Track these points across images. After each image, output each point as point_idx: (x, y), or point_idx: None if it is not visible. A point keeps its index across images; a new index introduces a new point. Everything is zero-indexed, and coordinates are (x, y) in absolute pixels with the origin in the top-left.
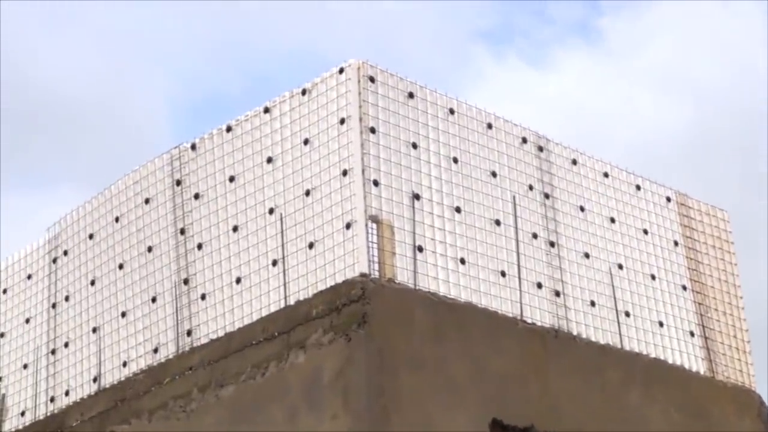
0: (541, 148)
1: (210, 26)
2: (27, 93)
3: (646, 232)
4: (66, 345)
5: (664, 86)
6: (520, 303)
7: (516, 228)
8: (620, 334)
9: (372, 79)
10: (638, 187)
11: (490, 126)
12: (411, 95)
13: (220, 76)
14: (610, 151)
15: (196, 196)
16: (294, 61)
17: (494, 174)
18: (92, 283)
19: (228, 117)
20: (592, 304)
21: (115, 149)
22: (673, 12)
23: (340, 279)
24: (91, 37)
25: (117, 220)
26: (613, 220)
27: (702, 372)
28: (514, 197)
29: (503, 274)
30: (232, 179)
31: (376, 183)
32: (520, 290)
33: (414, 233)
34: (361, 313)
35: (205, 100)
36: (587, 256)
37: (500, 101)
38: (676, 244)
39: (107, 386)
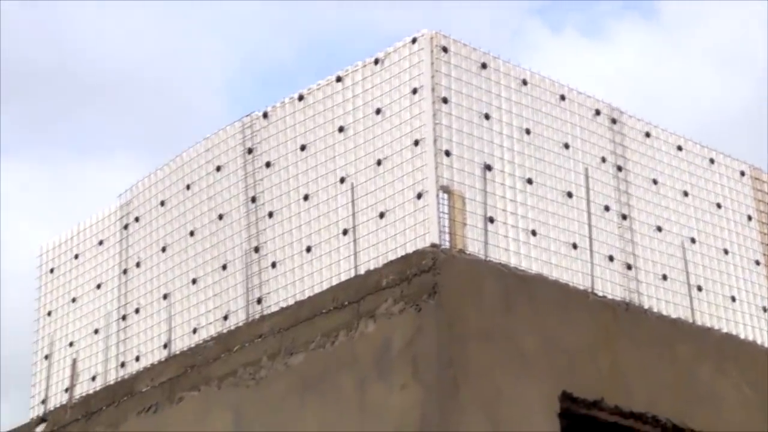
0: (614, 121)
1: None
2: (86, 63)
3: (719, 206)
4: (137, 311)
5: (723, 62)
6: (591, 275)
7: (588, 200)
8: (692, 309)
9: (445, 50)
10: (712, 161)
11: (563, 97)
12: (484, 66)
13: (276, 47)
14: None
15: (268, 165)
16: (348, 32)
17: (567, 146)
18: (163, 249)
19: (284, 87)
20: (664, 277)
21: (170, 119)
22: None
23: (410, 249)
24: (148, 7)
25: (188, 187)
26: (686, 194)
27: None
28: (586, 169)
29: (575, 246)
30: (303, 148)
31: (447, 153)
32: (592, 263)
33: (485, 204)
34: (431, 283)
35: (260, 70)
36: (659, 229)
37: (556, 75)
38: (749, 218)
39: (177, 352)
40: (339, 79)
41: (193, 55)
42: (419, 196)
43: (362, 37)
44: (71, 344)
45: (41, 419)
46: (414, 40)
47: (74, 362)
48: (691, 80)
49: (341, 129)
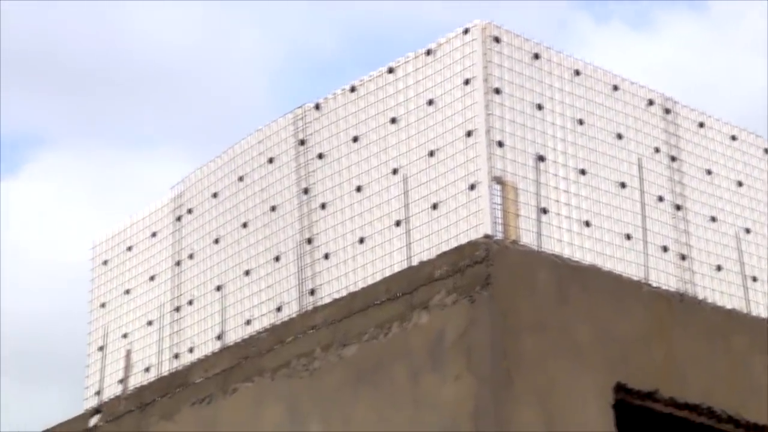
0: (667, 111)
1: None
2: (133, 57)
3: None
4: (190, 302)
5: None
6: (645, 266)
7: (641, 191)
8: (746, 299)
9: (497, 40)
10: (766, 151)
11: (616, 88)
12: (536, 56)
13: (320, 38)
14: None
15: (320, 156)
16: (392, 24)
17: (620, 136)
18: (216, 241)
19: (328, 79)
20: (718, 268)
21: (215, 112)
22: None
23: (463, 240)
24: (194, 0)
25: (241, 179)
26: (740, 184)
27: None
28: (639, 159)
29: (628, 237)
30: (355, 139)
31: (500, 144)
32: (646, 253)
33: (538, 195)
34: (484, 274)
35: (305, 62)
36: (714, 219)
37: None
38: None
39: (230, 344)
40: (391, 71)
41: (238, 48)
42: (472, 187)
43: (406, 28)
44: (125, 336)
45: (95, 410)
46: (466, 31)
47: (128, 354)
48: (739, 72)
49: (393, 120)
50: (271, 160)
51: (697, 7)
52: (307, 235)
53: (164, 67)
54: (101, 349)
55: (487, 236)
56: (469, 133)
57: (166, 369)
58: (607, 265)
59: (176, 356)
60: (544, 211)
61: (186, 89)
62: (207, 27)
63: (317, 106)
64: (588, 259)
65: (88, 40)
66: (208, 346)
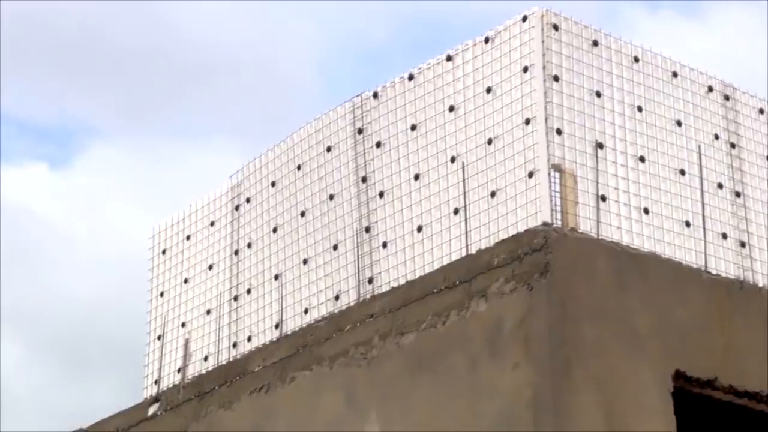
0: (727, 97)
1: None
2: (182, 47)
3: None
4: (248, 291)
5: None
6: (705, 254)
7: (701, 178)
8: None
9: (556, 27)
10: None
11: (675, 74)
12: (595, 43)
13: (371, 26)
14: None
15: (378, 145)
16: (443, 11)
17: (679, 123)
18: (274, 230)
19: (380, 67)
20: None
21: (266, 102)
22: None
23: (521, 228)
24: None
25: (299, 168)
26: None
27: None
28: (699, 146)
29: (687, 224)
30: (413, 128)
31: (559, 132)
32: (705, 241)
33: (597, 182)
34: (543, 262)
35: (356, 50)
36: None
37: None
38: None
39: (289, 333)
40: (449, 58)
41: (288, 37)
42: (530, 174)
43: (457, 13)
44: (183, 325)
45: (154, 399)
46: (524, 18)
47: (186, 342)
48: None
49: (451, 108)
50: (329, 149)
51: None
52: (365, 224)
53: (215, 59)
54: (160, 338)
55: (545, 224)
56: (527, 121)
57: (224, 358)
58: (666, 252)
59: (234, 345)
60: (603, 198)
61: (237, 80)
62: (256, 17)
63: (375, 95)
64: (647, 246)
65: (140, 32)
66: (266, 335)
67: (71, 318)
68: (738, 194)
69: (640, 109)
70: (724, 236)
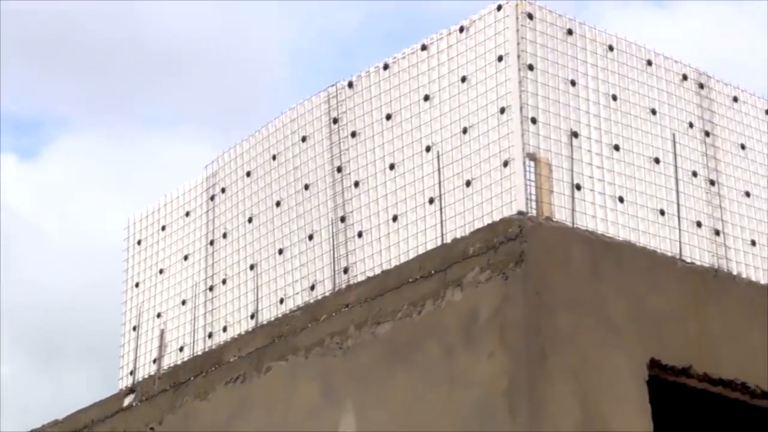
0: (701, 85)
1: None
2: (152, 37)
3: None
4: (224, 282)
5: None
6: (679, 242)
7: (675, 166)
8: None
9: (530, 16)
10: None
11: (649, 63)
12: (570, 32)
13: (339, 16)
14: None
15: (353, 134)
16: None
17: (654, 111)
18: (249, 220)
19: (348, 57)
20: (753, 243)
21: (236, 91)
22: None
23: (497, 217)
24: None
25: (274, 158)
26: None
27: None
28: (673, 135)
29: (662, 212)
30: (389, 117)
31: (534, 120)
32: (680, 229)
33: (572, 171)
34: (518, 251)
35: (324, 40)
36: (748, 194)
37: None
38: None
39: (264, 323)
40: (424, 48)
41: (257, 27)
42: (505, 163)
43: (431, 5)
44: (159, 315)
45: (130, 390)
46: (499, 8)
47: (162, 333)
48: (758, 47)
49: (427, 98)
50: (304, 139)
51: None
52: (340, 214)
53: (184, 48)
54: (135, 328)
55: (520, 213)
56: (502, 110)
57: (200, 348)
58: (641, 240)
59: (210, 335)
60: (578, 187)
61: (206, 70)
62: (226, 6)
63: (350, 85)
64: (622, 235)
65: (108, 22)
66: (241, 325)
67: (44, 310)
68: (712, 182)
69: (614, 97)
70: (699, 224)
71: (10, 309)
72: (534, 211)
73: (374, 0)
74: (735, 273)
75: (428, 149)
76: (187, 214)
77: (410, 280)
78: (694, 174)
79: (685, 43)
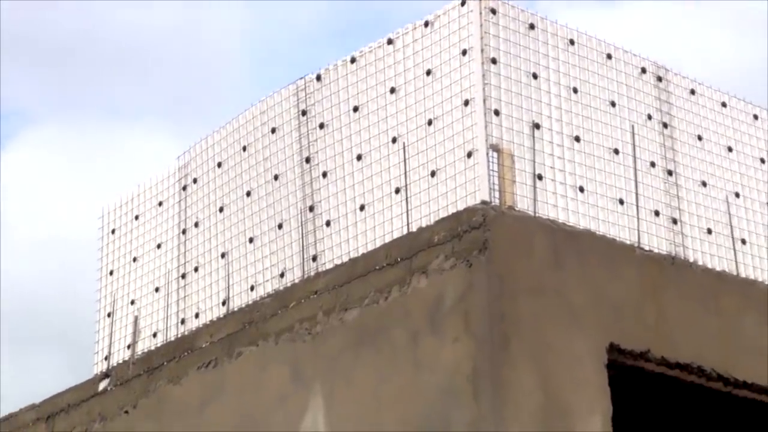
0: (660, 78)
1: None
2: (112, 35)
3: (763, 161)
4: (196, 269)
5: (737, 24)
6: (638, 230)
7: (634, 157)
8: (736, 262)
9: (493, 11)
10: (756, 117)
11: (609, 56)
12: (532, 26)
13: (295, 14)
14: None
15: (321, 126)
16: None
17: (613, 104)
18: (221, 210)
19: (305, 54)
20: (709, 231)
21: (194, 84)
22: None
23: (461, 206)
24: None
25: (244, 149)
26: (730, 149)
27: None
28: (632, 127)
29: (621, 202)
30: (356, 109)
31: (497, 113)
32: (638, 218)
33: (534, 162)
34: (481, 239)
35: (280, 37)
36: (704, 184)
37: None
38: None
39: (235, 309)
40: (390, 42)
41: (215, 20)
42: (469, 154)
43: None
44: (133, 302)
45: (105, 374)
46: (463, 3)
47: (136, 320)
48: (702, 43)
49: (393, 90)
50: (273, 131)
51: None
52: (309, 203)
53: (142, 41)
54: (110, 315)
55: (484, 202)
56: (466, 102)
57: (173, 334)
58: (601, 229)
59: (183, 321)
60: (540, 177)
61: (165, 62)
62: (183, 6)
63: (318, 77)
64: (582, 223)
65: (68, 18)
66: (213, 312)
67: (11, 299)
68: (670, 173)
69: (575, 90)
70: (657, 213)
71: None
72: (497, 201)
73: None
74: (692, 260)
75: (394, 140)
76: (160, 203)
77: (377, 267)
78: (653, 164)
79: (632, 40)
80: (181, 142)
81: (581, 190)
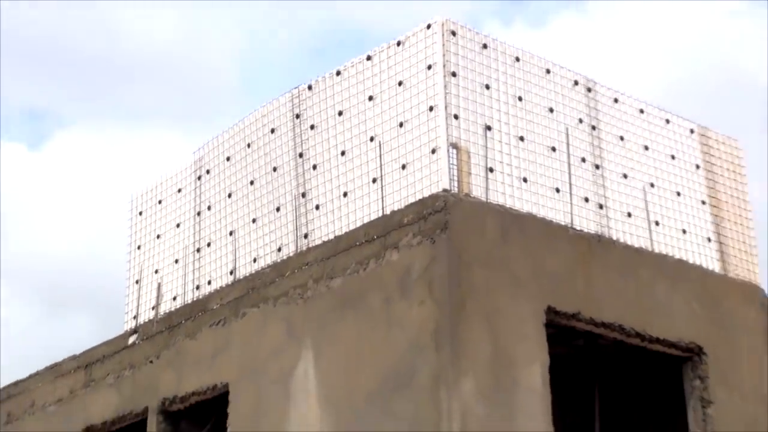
0: (589, 89)
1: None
2: (130, 49)
3: (673, 157)
4: (208, 245)
5: (638, 49)
6: (571, 214)
7: (568, 153)
8: (651, 240)
9: (453, 33)
10: (667, 121)
11: (548, 71)
12: (485, 46)
13: (280, 37)
14: None
15: (312, 127)
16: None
17: (551, 110)
18: (229, 195)
19: (287, 71)
20: (629, 215)
21: (199, 91)
22: None
23: (426, 194)
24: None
25: (249, 145)
26: (646, 148)
27: (716, 270)
28: (566, 129)
29: (557, 190)
30: (340, 113)
31: (456, 117)
32: (571, 203)
33: (486, 157)
34: (443, 221)
35: (266, 56)
36: (625, 176)
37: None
38: (697, 167)
39: (241, 277)
40: (369, 58)
41: (213, 41)
42: (433, 151)
43: (372, 24)
44: (156, 272)
45: (133, 331)
46: (429, 26)
47: (159, 286)
48: (617, 67)
49: (371, 98)
50: (272, 131)
51: (582, 12)
52: (302, 190)
53: (157, 58)
54: (137, 282)
55: (445, 190)
56: (431, 108)
57: (189, 298)
58: (540, 212)
59: (197, 287)
60: (491, 170)
61: (175, 74)
62: (186, 26)
63: (310, 87)
64: (525, 208)
65: (93, 36)
66: (222, 279)
67: (52, 270)
68: (597, 166)
69: (520, 98)
70: (586, 200)
71: (22, 268)
72: (456, 189)
73: (307, 27)
74: (614, 238)
75: (372, 139)
76: (179, 190)
77: (357, 243)
78: (583, 160)
79: (560, 62)
80: (189, 141)
81: (525, 180)
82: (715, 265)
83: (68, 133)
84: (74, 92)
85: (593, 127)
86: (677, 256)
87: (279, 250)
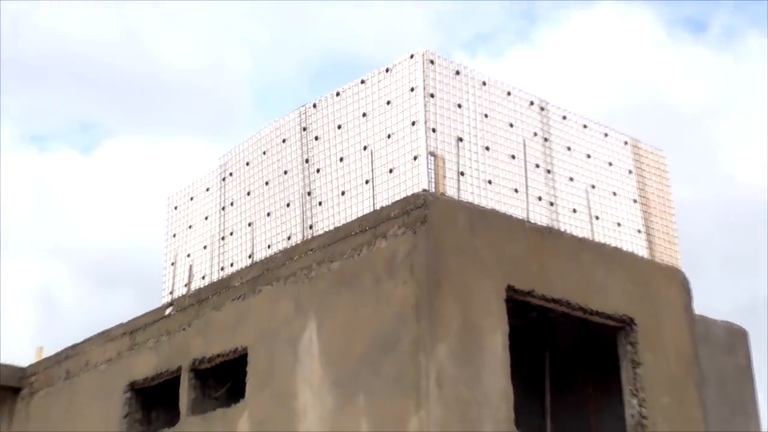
0: (542, 108)
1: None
2: (162, 70)
3: (610, 164)
4: (231, 234)
5: (586, 77)
6: (527, 210)
7: (525, 160)
8: (592, 231)
9: (432, 62)
10: (606, 134)
11: (509, 93)
12: (457, 72)
13: (287, 61)
14: None
15: (316, 138)
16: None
17: (511, 125)
18: (248, 194)
19: (290, 91)
20: (574, 211)
21: (217, 109)
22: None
23: (409, 193)
24: (191, 29)
25: (264, 153)
26: (588, 156)
27: (645, 256)
28: (524, 140)
29: (516, 190)
30: (339, 127)
31: (434, 130)
32: (527, 201)
33: (458, 164)
34: (423, 215)
35: (275, 78)
36: (571, 179)
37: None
38: (630, 172)
39: (257, 261)
40: (363, 81)
41: (230, 67)
42: (415, 158)
43: (361, 54)
44: (188, 255)
45: (169, 304)
46: (412, 56)
47: (191, 267)
48: (565, 90)
49: (364, 114)
50: (284, 141)
51: (533, 44)
52: (308, 190)
53: (185, 82)
54: (173, 264)
55: (424, 190)
56: (413, 123)
57: (215, 277)
58: (503, 209)
59: (222, 269)
60: (462, 174)
61: (199, 95)
62: (209, 54)
63: (314, 105)
64: (490, 205)
65: (135, 62)
66: (243, 262)
67: (105, 255)
68: (549, 171)
69: (486, 115)
70: (540, 199)
71: (80, 252)
72: (433, 190)
73: (310, 56)
74: (563, 230)
75: (365, 148)
76: (207, 189)
77: (353, 233)
78: (537, 166)
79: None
80: (211, 149)
81: (489, 182)
82: (644, 252)
83: (114, 142)
84: (119, 108)
85: (545, 139)
86: (613, 245)
87: (289, 238)
